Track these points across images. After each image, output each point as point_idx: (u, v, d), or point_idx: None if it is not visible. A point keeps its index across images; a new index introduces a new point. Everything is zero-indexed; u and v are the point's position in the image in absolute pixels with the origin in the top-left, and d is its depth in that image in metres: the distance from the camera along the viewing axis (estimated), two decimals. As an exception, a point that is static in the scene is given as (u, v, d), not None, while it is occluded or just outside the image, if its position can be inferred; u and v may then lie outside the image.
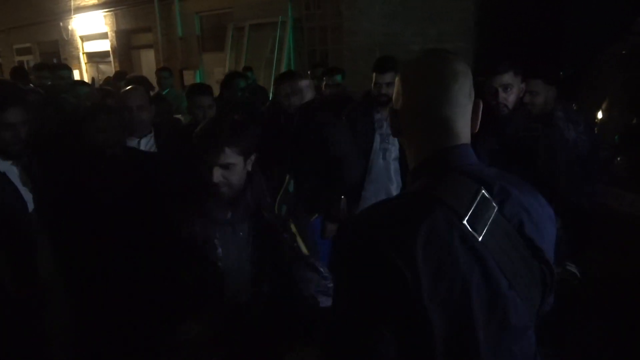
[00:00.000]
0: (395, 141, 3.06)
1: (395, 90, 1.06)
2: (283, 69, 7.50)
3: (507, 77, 2.30)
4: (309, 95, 3.18)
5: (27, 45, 14.13)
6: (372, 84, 3.08)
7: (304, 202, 2.76)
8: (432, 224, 0.88)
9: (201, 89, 3.12)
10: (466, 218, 0.90)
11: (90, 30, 11.59)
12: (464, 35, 5.37)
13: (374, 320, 0.89)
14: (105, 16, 11.00)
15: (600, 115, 3.40)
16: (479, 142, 1.22)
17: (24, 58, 14.40)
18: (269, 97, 5.64)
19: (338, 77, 4.46)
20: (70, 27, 12.05)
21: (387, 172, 3.12)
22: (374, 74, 3.07)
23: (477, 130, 1.03)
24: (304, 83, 3.16)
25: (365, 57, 5.89)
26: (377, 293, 0.88)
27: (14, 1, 13.86)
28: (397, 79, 1.06)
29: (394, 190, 3.14)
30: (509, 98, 2.32)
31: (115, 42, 11.12)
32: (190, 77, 9.40)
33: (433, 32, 5.58)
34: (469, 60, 4.87)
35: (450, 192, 0.92)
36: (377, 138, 3.11)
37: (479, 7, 5.35)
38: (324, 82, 4.44)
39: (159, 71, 5.74)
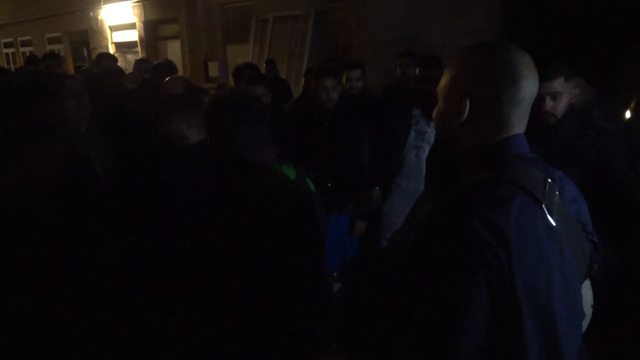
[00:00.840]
0: (429, 139, 3.02)
1: (450, 76, 1.07)
2: (305, 62, 7.50)
3: (557, 84, 2.02)
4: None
5: (58, 34, 14.47)
6: (414, 79, 3.07)
7: (327, 198, 2.79)
8: (519, 209, 0.92)
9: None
10: (544, 203, 0.95)
11: (119, 20, 11.79)
12: (489, 30, 5.26)
13: (471, 301, 0.90)
14: (133, 7, 11.17)
15: (628, 114, 3.28)
16: None
17: (55, 47, 14.75)
18: (291, 91, 5.62)
19: (358, 71, 4.43)
20: (99, 17, 12.28)
21: (419, 169, 3.08)
22: (418, 69, 3.06)
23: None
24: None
25: (388, 51, 5.85)
26: (476, 274, 0.89)
27: (46, -9, 14.23)
28: (454, 65, 1.07)
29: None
30: (558, 107, 2.05)
31: (142, 33, 11.29)
32: (215, 69, 9.49)
33: (456, 27, 5.49)
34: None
35: (525, 179, 0.95)
36: (413, 134, 3.09)
37: (505, 1, 5.24)
38: (344, 77, 4.41)
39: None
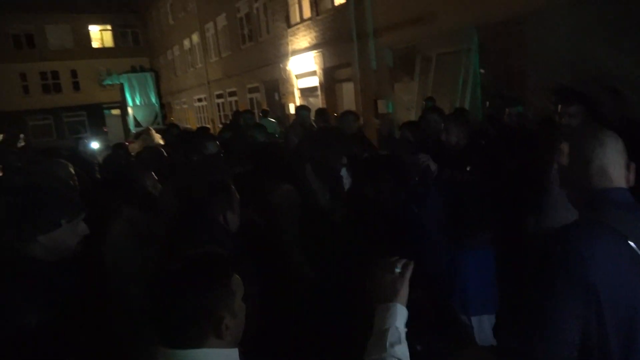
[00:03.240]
0: None
1: (564, 152, 1.48)
2: (467, 95, 7.75)
3: None
4: None
5: (256, 84, 17.15)
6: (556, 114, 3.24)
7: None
8: (608, 246, 1.27)
9: None
10: (631, 239, 1.26)
11: (303, 69, 13.55)
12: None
13: (567, 310, 1.25)
14: (315, 56, 12.78)
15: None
16: None
17: (253, 95, 17.51)
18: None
19: (519, 108, 4.66)
20: (287, 68, 14.28)
21: (562, 198, 3.17)
22: (559, 105, 3.24)
23: (632, 184, 1.41)
24: None
25: (552, 79, 5.82)
26: (577, 298, 1.25)
27: (247, 49, 17.05)
28: (565, 145, 1.48)
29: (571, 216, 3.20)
30: None
31: (322, 78, 12.80)
32: (383, 106, 10.28)
33: (628, 46, 5.23)
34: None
35: (616, 220, 1.29)
36: (556, 165, 3.23)
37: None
38: (506, 113, 4.62)
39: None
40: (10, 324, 1.47)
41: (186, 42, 23.97)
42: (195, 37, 22.54)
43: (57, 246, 1.66)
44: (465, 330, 3.31)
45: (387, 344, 1.22)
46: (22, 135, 23.00)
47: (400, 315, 1.28)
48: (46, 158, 3.68)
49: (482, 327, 3.32)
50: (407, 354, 1.25)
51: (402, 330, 1.27)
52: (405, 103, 9.53)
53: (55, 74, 30.07)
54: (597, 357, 1.25)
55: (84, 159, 3.92)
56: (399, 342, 1.24)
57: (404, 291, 1.32)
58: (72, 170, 3.11)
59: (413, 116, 8.86)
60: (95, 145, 5.27)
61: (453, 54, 8.17)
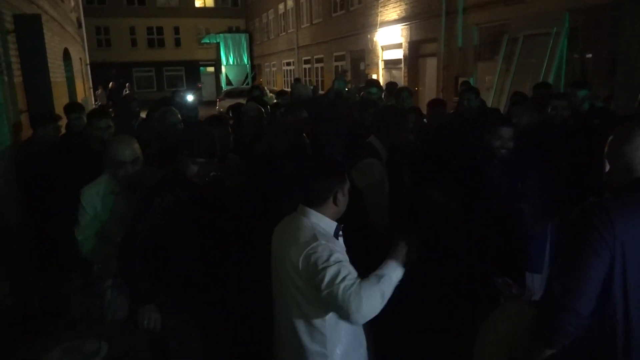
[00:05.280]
0: None
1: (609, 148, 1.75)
2: (551, 80, 7.54)
3: None
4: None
5: (342, 53, 17.42)
6: None
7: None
8: (635, 213, 1.59)
9: None
10: None
11: (389, 41, 13.60)
12: None
13: (591, 263, 1.57)
14: (402, 29, 12.77)
15: None
16: None
17: (339, 63, 17.81)
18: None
19: (583, 92, 4.59)
20: (374, 39, 14.38)
21: None
22: None
23: None
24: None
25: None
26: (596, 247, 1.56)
27: (337, 18, 17.30)
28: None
29: None
30: None
31: (407, 51, 12.80)
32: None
33: None
34: None
35: None
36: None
37: None
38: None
39: None
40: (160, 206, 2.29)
41: (281, 7, 24.60)
42: (290, 2, 23.08)
43: (200, 175, 2.38)
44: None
45: (380, 279, 1.79)
46: (127, 84, 25.25)
47: (396, 272, 1.82)
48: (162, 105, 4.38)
49: (533, 284, 3.55)
50: (389, 291, 1.78)
51: (394, 280, 1.81)
52: (486, 83, 9.41)
53: (160, 30, 32.27)
54: (619, 297, 1.55)
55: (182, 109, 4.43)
56: (389, 284, 1.79)
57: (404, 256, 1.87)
58: (180, 117, 3.75)
59: (491, 98, 8.78)
60: (190, 98, 5.94)
61: (541, 37, 7.94)
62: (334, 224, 1.93)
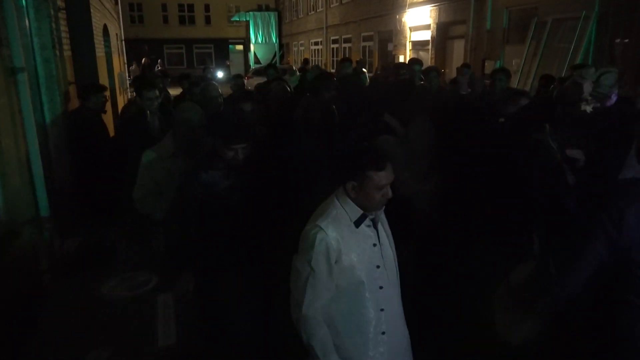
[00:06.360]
0: None
1: None
2: (577, 61, 7.57)
3: None
4: None
5: (370, 33, 17.45)
6: None
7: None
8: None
9: None
10: None
11: (417, 22, 13.62)
12: None
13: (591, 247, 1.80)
14: (431, 10, 12.78)
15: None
16: None
17: (367, 44, 17.87)
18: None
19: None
20: (403, 19, 14.40)
21: None
22: None
23: None
24: None
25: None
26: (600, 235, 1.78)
27: (367, -2, 17.30)
28: None
29: None
30: None
31: (435, 33, 12.82)
32: (490, 67, 10.22)
33: None
34: None
35: None
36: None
37: None
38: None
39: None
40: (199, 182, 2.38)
41: (311, -15, 24.61)
42: (320, -20, 23.09)
43: (237, 158, 2.38)
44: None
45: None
46: (160, 61, 25.78)
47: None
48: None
49: None
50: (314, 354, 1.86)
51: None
52: (513, 66, 9.44)
53: (190, 7, 32.62)
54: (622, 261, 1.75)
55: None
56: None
57: None
58: (220, 91, 3.99)
59: (517, 81, 8.83)
60: (220, 74, 6.27)
61: (570, 20, 7.94)
62: (358, 212, 1.84)
